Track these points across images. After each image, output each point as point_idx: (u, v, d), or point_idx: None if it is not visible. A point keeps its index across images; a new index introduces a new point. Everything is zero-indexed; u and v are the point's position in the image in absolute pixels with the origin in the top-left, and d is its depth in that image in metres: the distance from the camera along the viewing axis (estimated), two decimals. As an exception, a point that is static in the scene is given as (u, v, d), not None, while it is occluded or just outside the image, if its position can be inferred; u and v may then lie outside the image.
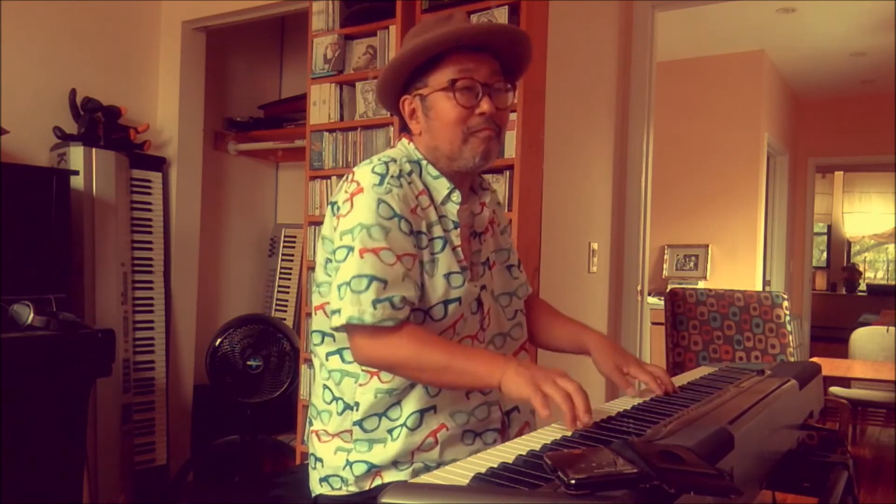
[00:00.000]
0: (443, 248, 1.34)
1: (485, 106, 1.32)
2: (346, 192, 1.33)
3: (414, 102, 1.38)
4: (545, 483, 0.78)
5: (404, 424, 1.32)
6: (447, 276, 1.33)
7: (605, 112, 3.15)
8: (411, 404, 1.32)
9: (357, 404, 1.34)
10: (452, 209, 1.37)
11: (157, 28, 3.39)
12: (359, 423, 1.34)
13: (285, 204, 4.08)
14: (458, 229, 1.37)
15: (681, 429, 0.99)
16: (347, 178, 1.36)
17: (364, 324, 1.23)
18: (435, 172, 1.38)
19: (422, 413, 1.33)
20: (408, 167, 1.36)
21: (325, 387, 1.41)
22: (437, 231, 1.35)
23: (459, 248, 1.36)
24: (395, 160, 1.34)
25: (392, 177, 1.30)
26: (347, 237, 1.28)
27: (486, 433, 1.39)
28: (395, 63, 1.35)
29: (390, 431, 1.33)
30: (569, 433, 1.06)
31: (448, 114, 1.33)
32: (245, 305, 3.87)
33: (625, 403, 1.30)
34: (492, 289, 1.47)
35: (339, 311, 1.25)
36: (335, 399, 1.38)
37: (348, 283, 1.24)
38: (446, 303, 1.33)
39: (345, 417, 1.36)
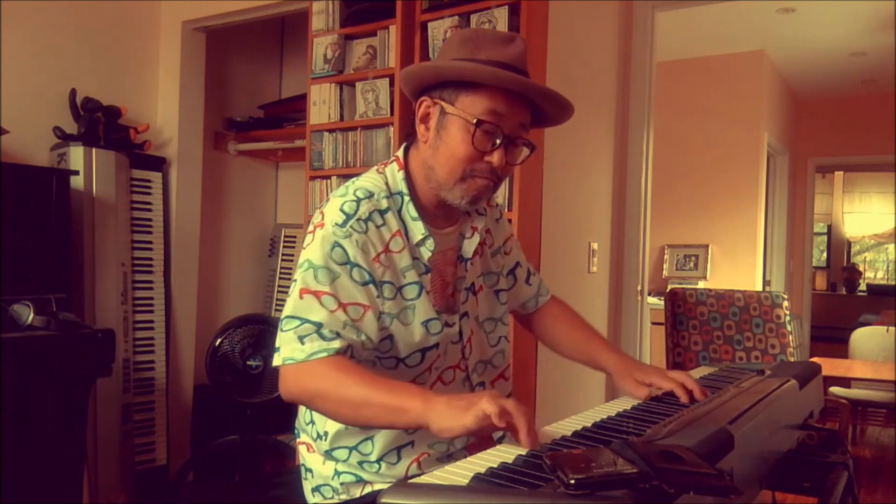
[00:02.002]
0: (419, 295, 1.28)
1: (496, 158, 1.24)
2: (313, 222, 1.27)
3: (432, 109, 1.28)
4: (545, 483, 0.78)
5: (382, 460, 1.30)
6: (425, 323, 1.28)
7: (605, 112, 3.15)
8: (384, 441, 1.29)
9: (326, 433, 1.33)
10: (425, 254, 1.29)
11: (157, 28, 3.39)
12: (328, 452, 1.33)
13: (285, 204, 4.08)
14: (430, 274, 1.31)
15: (681, 429, 0.99)
16: (326, 202, 1.30)
17: (296, 362, 1.17)
18: (414, 213, 1.29)
19: (399, 450, 1.30)
20: (385, 204, 1.27)
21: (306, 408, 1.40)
22: (411, 276, 1.28)
23: (432, 294, 1.31)
24: (371, 195, 1.26)
25: (359, 219, 1.22)
26: (298, 270, 1.23)
27: (458, 452, 1.37)
28: (435, 70, 1.26)
29: (362, 464, 1.31)
30: (568, 433, 1.05)
31: (458, 147, 1.24)
32: (245, 305, 3.87)
33: (625, 403, 1.30)
34: (476, 314, 1.42)
35: (279, 349, 1.20)
36: (312, 422, 1.37)
37: (284, 321, 1.20)
38: (424, 350, 1.30)
39: (318, 444, 1.35)
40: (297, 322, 1.18)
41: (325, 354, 1.16)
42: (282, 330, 1.20)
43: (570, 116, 1.32)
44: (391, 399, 1.10)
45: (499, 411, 0.98)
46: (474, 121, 1.22)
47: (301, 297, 1.20)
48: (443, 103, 1.26)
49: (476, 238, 1.38)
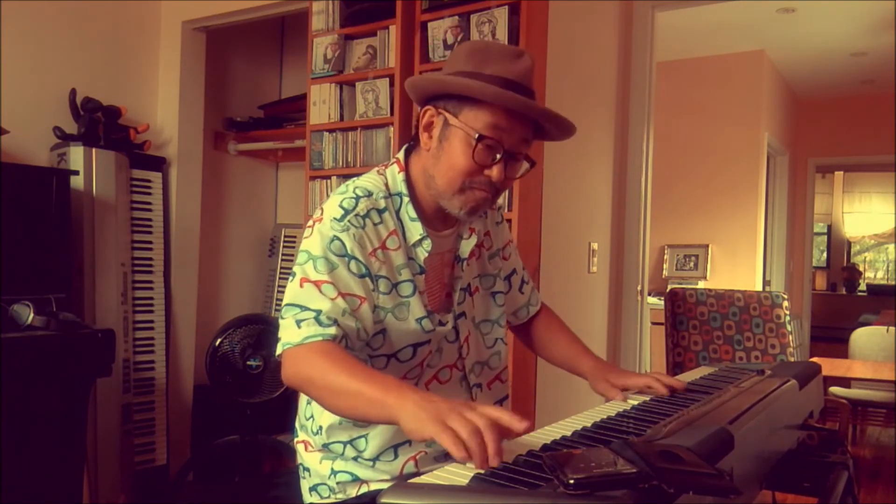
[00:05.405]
0: (413, 292, 1.30)
1: (495, 173, 1.25)
2: (313, 217, 1.29)
3: (436, 118, 1.29)
4: (545, 483, 0.78)
5: (378, 458, 1.31)
6: (420, 320, 1.30)
7: (605, 112, 3.15)
8: (380, 440, 1.30)
9: (321, 428, 1.35)
10: (421, 254, 1.31)
11: (157, 28, 3.39)
12: (326, 446, 1.35)
13: (285, 204, 4.08)
14: (424, 275, 1.32)
15: (681, 429, 0.99)
16: (326, 199, 1.32)
17: (293, 346, 1.17)
18: (413, 214, 1.30)
19: (395, 448, 1.31)
20: (382, 204, 1.28)
21: (308, 401, 1.41)
22: (406, 274, 1.29)
23: (425, 294, 1.33)
24: (370, 194, 1.28)
25: (357, 215, 1.24)
26: (297, 261, 1.25)
27: None
28: (441, 84, 1.27)
29: (357, 459, 1.32)
30: (568, 433, 1.05)
31: (458, 159, 1.25)
32: (245, 305, 3.87)
33: (624, 404, 1.30)
34: (472, 315, 1.43)
35: (280, 338, 1.21)
36: (311, 417, 1.39)
37: (284, 309, 1.21)
38: (416, 346, 1.31)
39: (317, 439, 1.37)
40: (297, 309, 1.19)
41: (319, 339, 1.16)
42: (282, 318, 1.21)
43: (572, 135, 1.34)
44: (368, 390, 1.06)
45: (471, 431, 0.90)
46: (476, 135, 1.23)
47: (301, 287, 1.21)
48: (446, 114, 1.27)
49: (473, 239, 1.39)
